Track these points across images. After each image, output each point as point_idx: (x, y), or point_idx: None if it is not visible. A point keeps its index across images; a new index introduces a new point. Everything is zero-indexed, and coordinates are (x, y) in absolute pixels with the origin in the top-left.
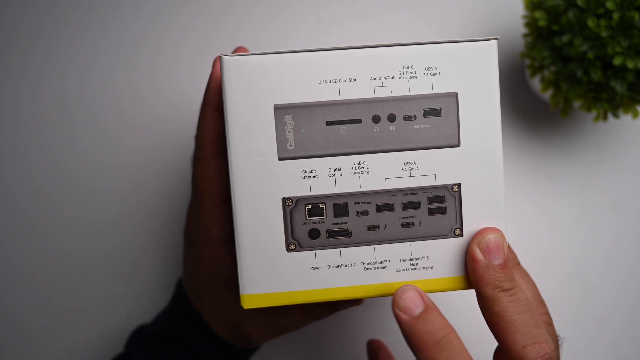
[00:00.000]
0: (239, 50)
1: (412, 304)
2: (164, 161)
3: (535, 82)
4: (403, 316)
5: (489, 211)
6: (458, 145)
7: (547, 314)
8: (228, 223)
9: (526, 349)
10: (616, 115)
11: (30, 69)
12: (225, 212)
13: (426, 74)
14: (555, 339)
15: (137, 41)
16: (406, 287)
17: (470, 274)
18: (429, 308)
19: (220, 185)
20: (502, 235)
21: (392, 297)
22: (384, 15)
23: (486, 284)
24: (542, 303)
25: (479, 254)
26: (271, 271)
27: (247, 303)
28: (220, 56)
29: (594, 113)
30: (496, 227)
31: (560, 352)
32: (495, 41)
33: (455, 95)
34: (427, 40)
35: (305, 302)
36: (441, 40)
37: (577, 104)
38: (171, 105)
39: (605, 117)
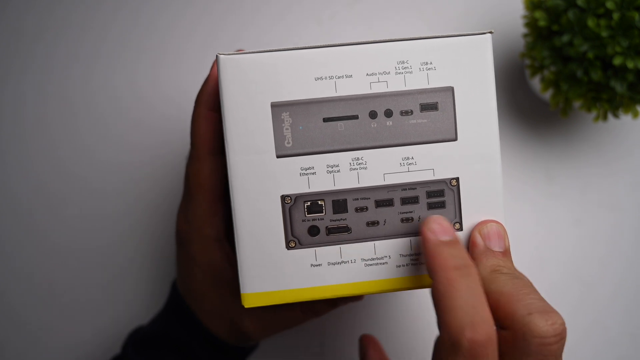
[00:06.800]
0: None
1: (443, 230)
2: (164, 160)
3: (535, 82)
4: (431, 235)
5: (487, 204)
6: (455, 139)
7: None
8: (221, 221)
9: (531, 316)
10: (616, 115)
11: (32, 68)
12: (218, 210)
13: (422, 69)
14: None
15: (140, 41)
16: (441, 216)
17: None
18: (457, 241)
19: (213, 184)
20: (504, 228)
21: (424, 220)
22: (384, 17)
23: (483, 267)
24: (535, 289)
25: (478, 238)
26: (271, 269)
27: (248, 302)
28: (217, 55)
29: (594, 113)
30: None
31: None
32: (489, 35)
33: (451, 90)
34: (422, 35)
35: (306, 300)
36: (436, 34)
37: (577, 104)
38: (173, 104)
39: (605, 117)
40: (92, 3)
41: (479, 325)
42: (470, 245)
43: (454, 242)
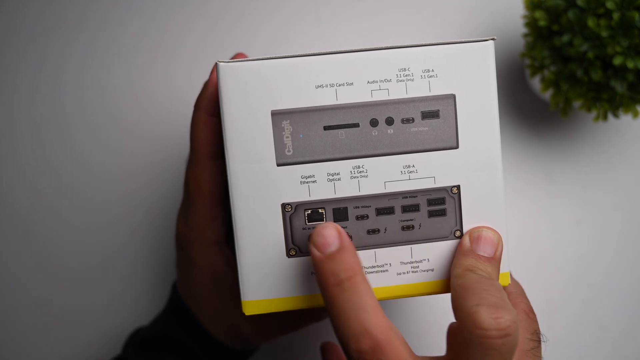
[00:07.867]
0: (238, 57)
1: (327, 241)
2: (160, 165)
3: (535, 82)
4: (315, 252)
5: (489, 212)
6: (456, 147)
7: (528, 304)
8: (221, 225)
9: (478, 307)
10: (616, 115)
11: (24, 73)
12: (218, 214)
13: (423, 76)
14: (534, 332)
15: (132, 44)
16: (327, 225)
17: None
18: (343, 248)
19: (213, 188)
20: (499, 237)
21: (311, 233)
22: (384, 15)
23: (459, 265)
24: (523, 294)
25: (466, 239)
26: (272, 277)
27: (249, 309)
28: (216, 63)
29: (594, 113)
30: (496, 228)
31: (542, 349)
32: (492, 42)
33: (452, 97)
34: (423, 42)
35: (307, 308)
36: (438, 41)
37: (577, 104)
38: (166, 109)
39: (605, 117)
40: (83, 8)
41: (362, 335)
42: (458, 245)
43: (338, 252)
